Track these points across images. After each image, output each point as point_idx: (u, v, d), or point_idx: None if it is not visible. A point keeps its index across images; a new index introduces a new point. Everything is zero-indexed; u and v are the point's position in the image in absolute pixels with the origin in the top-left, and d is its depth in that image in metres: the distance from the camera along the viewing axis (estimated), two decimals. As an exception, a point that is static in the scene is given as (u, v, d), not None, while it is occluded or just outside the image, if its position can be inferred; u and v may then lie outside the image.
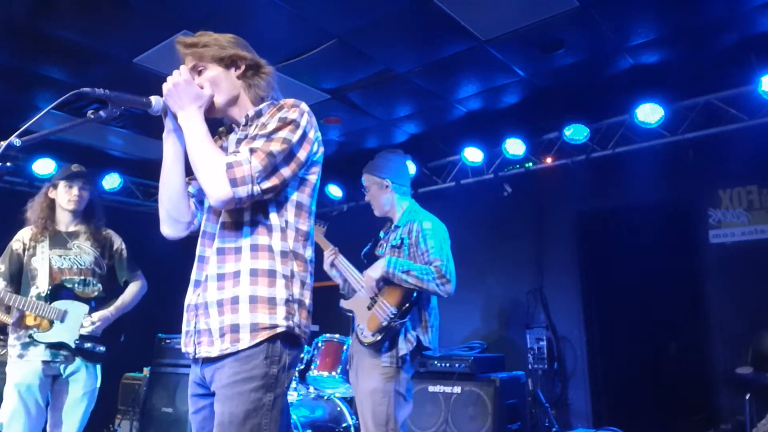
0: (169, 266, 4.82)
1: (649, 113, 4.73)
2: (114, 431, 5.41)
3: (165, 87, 1.66)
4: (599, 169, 5.30)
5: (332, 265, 3.03)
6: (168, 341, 4.94)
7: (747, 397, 3.99)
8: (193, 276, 1.70)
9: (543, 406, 4.84)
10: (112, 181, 6.06)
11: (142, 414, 4.90)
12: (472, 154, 5.71)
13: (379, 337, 2.68)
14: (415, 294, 2.72)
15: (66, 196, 3.13)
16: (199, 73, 1.72)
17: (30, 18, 3.57)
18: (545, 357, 5.19)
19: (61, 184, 3.14)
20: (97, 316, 3.06)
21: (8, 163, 1.52)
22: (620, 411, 5.03)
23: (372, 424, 2.65)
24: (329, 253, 3.02)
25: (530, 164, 5.69)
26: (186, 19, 3.62)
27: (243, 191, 1.54)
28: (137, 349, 5.09)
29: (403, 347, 2.69)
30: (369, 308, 2.81)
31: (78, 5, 3.44)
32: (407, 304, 2.71)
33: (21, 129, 1.44)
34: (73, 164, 3.22)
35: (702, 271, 4.85)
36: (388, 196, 3.00)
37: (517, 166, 5.75)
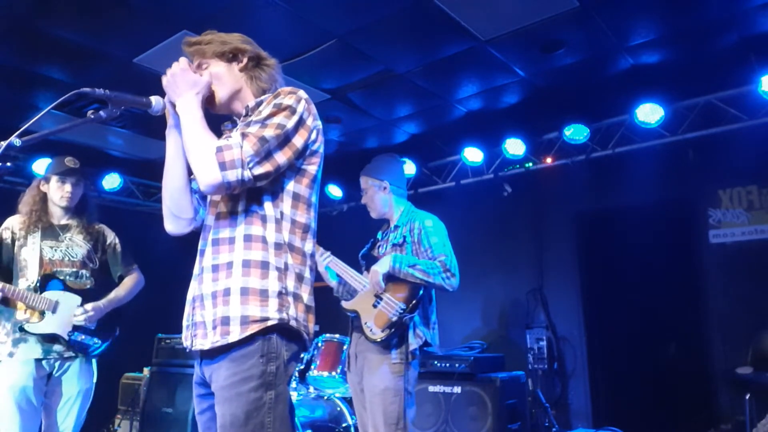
0: (169, 266, 4.83)
1: (649, 113, 4.74)
2: (114, 431, 5.41)
3: (164, 79, 1.66)
4: (599, 169, 5.31)
5: (327, 267, 3.03)
6: (168, 341, 4.94)
7: (747, 397, 3.99)
8: (195, 270, 1.70)
9: (543, 406, 4.84)
10: (112, 181, 6.05)
11: (142, 414, 4.89)
12: (472, 154, 5.71)
13: (390, 332, 2.68)
14: (421, 290, 2.73)
15: (58, 193, 3.01)
16: (204, 70, 1.73)
17: (30, 18, 3.56)
18: (545, 357, 5.19)
19: (54, 179, 3.02)
20: (89, 306, 2.94)
21: (8, 163, 1.52)
22: (620, 411, 5.02)
23: (383, 424, 2.62)
24: (321, 254, 3.02)
25: (530, 164, 5.69)
26: (186, 19, 3.62)
27: (232, 175, 1.51)
28: (137, 349, 5.12)
29: (413, 342, 2.70)
30: (375, 306, 2.80)
31: (78, 5, 3.44)
32: (415, 300, 2.71)
33: (21, 129, 1.44)
34: (66, 158, 3.04)
35: (702, 271, 4.85)
36: (387, 197, 3.02)
37: (517, 166, 5.75)
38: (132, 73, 4.19)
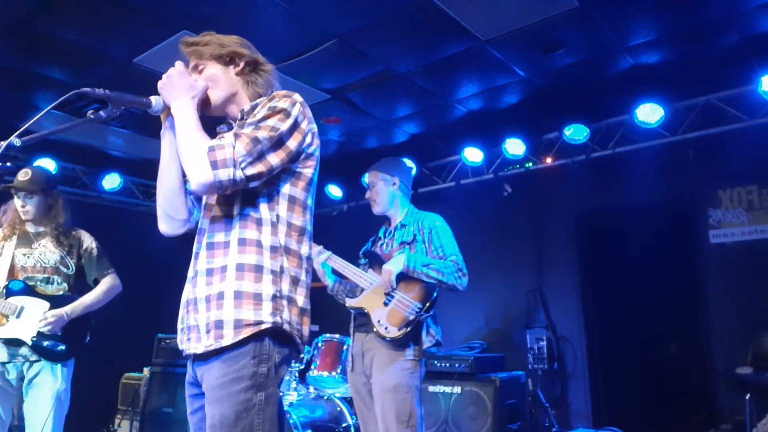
0: (168, 266, 4.82)
1: (649, 113, 4.74)
2: (114, 431, 5.41)
3: (160, 82, 1.66)
4: (599, 169, 5.31)
5: (325, 264, 2.98)
6: (168, 341, 4.94)
7: (747, 397, 3.99)
8: (189, 273, 1.70)
9: (543, 406, 4.84)
10: (112, 181, 6.06)
11: (142, 414, 4.89)
12: (472, 154, 5.71)
13: (407, 331, 2.68)
14: (437, 290, 2.77)
15: (18, 206, 3.05)
16: (200, 72, 1.73)
17: (30, 18, 3.57)
18: (545, 357, 5.19)
19: (13, 192, 3.05)
20: (50, 314, 2.92)
21: (8, 163, 1.52)
22: (620, 411, 5.02)
23: (395, 421, 2.60)
24: (318, 253, 2.98)
25: (530, 164, 5.69)
26: (186, 19, 3.62)
27: (224, 174, 1.50)
28: (137, 349, 5.12)
29: (427, 341, 2.76)
30: (386, 304, 2.79)
31: (78, 5, 3.44)
32: (431, 299, 2.74)
33: (21, 129, 1.44)
34: (21, 171, 3.03)
35: (702, 271, 4.85)
36: (395, 194, 3.03)
37: (517, 166, 5.75)
38: (132, 73, 4.19)
